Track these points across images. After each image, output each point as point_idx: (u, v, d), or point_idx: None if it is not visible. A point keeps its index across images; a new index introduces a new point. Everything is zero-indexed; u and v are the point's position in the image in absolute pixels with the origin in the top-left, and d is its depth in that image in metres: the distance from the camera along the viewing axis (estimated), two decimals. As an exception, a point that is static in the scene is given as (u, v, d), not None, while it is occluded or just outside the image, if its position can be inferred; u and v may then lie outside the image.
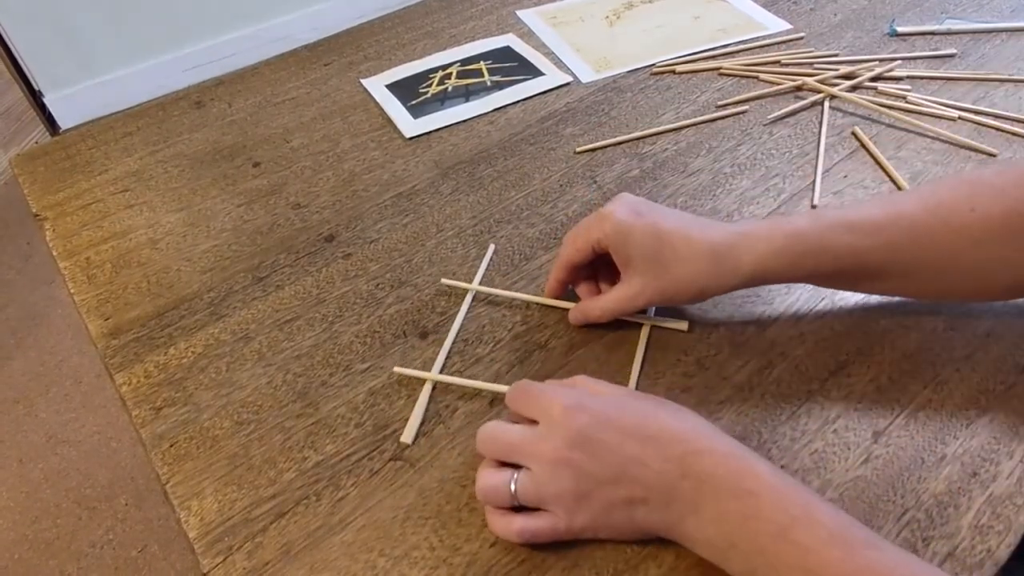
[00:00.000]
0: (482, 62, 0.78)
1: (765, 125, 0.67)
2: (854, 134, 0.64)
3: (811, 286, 0.51)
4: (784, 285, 0.52)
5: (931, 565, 0.35)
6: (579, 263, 0.48)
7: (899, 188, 0.59)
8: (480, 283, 0.54)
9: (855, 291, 0.50)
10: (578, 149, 0.66)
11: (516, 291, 0.53)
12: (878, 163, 0.61)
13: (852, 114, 0.67)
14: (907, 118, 0.64)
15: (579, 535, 0.38)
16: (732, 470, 0.35)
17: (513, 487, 0.38)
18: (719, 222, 0.47)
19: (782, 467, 0.42)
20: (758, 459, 0.36)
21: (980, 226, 0.42)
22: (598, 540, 0.39)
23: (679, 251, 0.44)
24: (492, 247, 0.57)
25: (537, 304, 0.52)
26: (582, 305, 0.49)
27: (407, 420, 0.46)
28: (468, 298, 0.53)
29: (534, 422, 0.39)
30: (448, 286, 0.54)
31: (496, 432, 0.40)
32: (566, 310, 0.51)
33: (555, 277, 0.50)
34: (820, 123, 0.66)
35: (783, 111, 0.67)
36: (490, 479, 0.39)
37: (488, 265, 0.56)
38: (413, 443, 0.45)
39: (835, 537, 0.32)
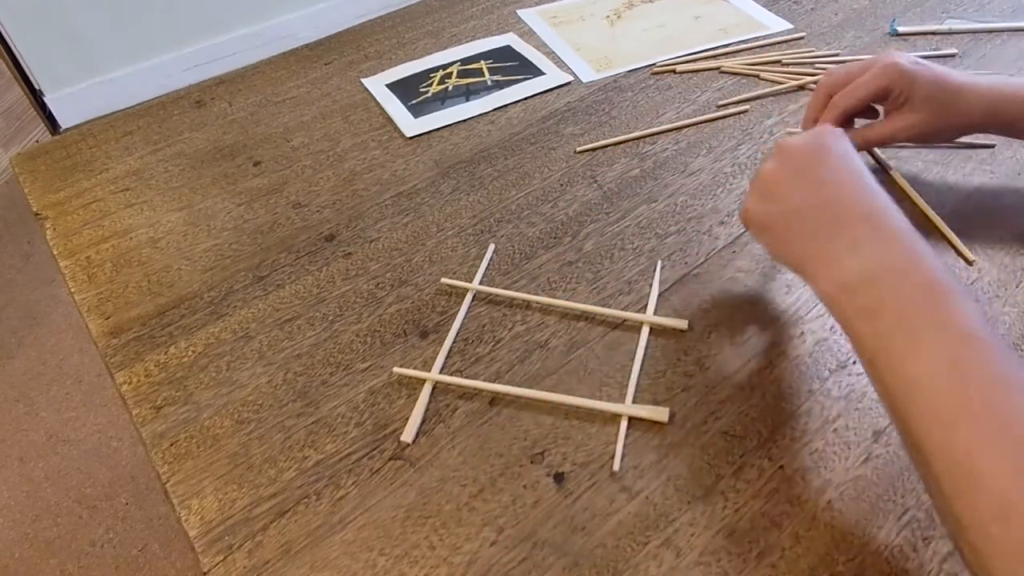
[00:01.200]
0: (483, 61, 0.78)
1: (765, 125, 0.67)
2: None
3: (807, 286, 0.51)
4: (784, 285, 0.52)
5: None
6: (856, 112, 0.53)
7: (901, 188, 0.59)
8: (480, 283, 0.54)
9: None
10: (578, 149, 0.66)
11: (516, 291, 0.53)
12: (879, 164, 0.61)
13: (853, 114, 0.67)
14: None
15: (748, 208, 0.45)
16: (908, 236, 0.38)
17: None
18: (979, 75, 0.53)
19: (781, 468, 0.42)
20: (928, 247, 0.38)
21: None
22: (603, 542, 0.39)
23: (952, 95, 0.51)
24: (492, 247, 0.57)
25: (537, 304, 0.52)
26: (863, 131, 0.53)
27: (407, 419, 0.46)
28: (468, 298, 0.53)
29: None
30: (448, 285, 0.54)
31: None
32: (566, 309, 0.52)
33: (832, 121, 0.52)
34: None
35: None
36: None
37: (488, 264, 0.56)
38: (413, 442, 0.45)
39: (967, 316, 0.34)
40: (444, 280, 0.54)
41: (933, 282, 0.36)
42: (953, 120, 0.51)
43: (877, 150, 0.62)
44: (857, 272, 0.38)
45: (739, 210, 0.59)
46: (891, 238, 0.38)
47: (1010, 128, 0.53)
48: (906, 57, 0.50)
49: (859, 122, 0.54)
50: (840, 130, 0.46)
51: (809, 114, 0.54)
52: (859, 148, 0.51)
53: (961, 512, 0.30)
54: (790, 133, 0.58)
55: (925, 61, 0.51)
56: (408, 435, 0.45)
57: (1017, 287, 0.51)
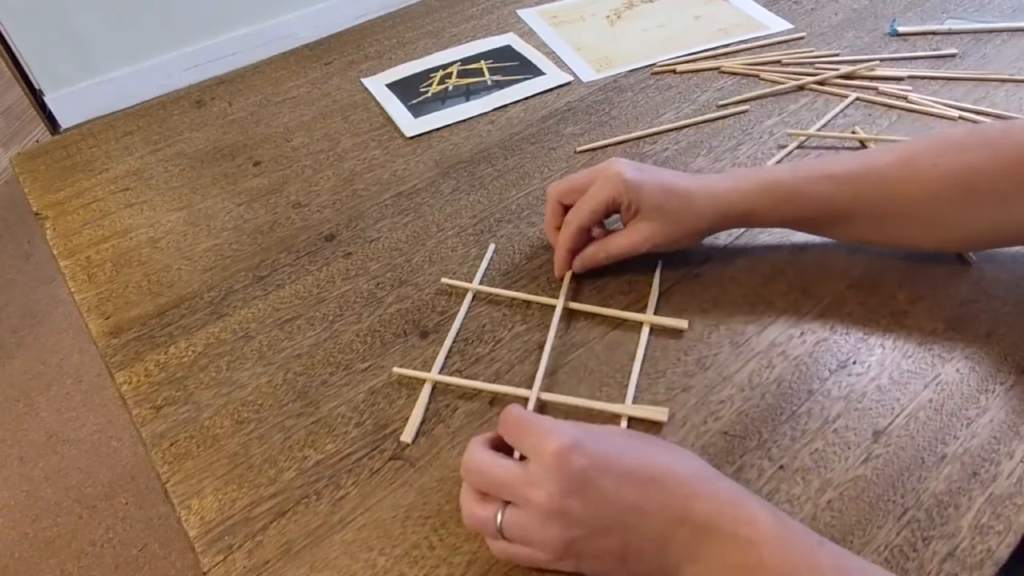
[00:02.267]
0: (483, 61, 0.78)
1: (765, 125, 0.67)
2: (853, 133, 0.64)
3: (807, 286, 0.52)
4: (784, 285, 0.52)
5: None
6: (589, 226, 0.51)
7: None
8: (480, 283, 0.54)
9: (827, 236, 0.53)
10: (579, 148, 0.66)
11: (517, 290, 0.53)
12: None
13: (852, 114, 0.67)
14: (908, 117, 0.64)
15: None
16: (732, 517, 0.34)
17: (499, 521, 0.36)
18: (708, 174, 0.52)
19: (781, 468, 0.42)
20: (760, 504, 0.35)
21: (940, 182, 0.46)
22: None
23: (683, 200, 0.49)
24: (492, 246, 0.57)
25: (537, 304, 0.52)
26: (587, 252, 0.52)
27: (407, 419, 0.46)
28: (468, 297, 0.53)
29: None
30: (448, 285, 0.54)
31: (483, 464, 0.37)
32: (566, 310, 0.52)
33: (567, 248, 0.51)
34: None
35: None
36: (476, 511, 0.37)
37: (488, 264, 0.56)
38: (413, 442, 0.45)
39: None
40: (444, 280, 0.54)
41: (785, 571, 0.32)
42: (689, 226, 0.50)
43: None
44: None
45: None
46: (716, 531, 0.34)
47: (756, 222, 0.51)
48: (630, 166, 0.49)
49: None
50: (566, 432, 0.35)
51: (548, 223, 0.54)
52: (603, 262, 0.52)
53: None
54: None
55: (650, 168, 0.50)
56: (408, 435, 0.45)
57: (1017, 287, 0.51)
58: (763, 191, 0.49)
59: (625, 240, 0.51)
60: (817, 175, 0.48)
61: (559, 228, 0.52)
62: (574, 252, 0.52)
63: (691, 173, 0.52)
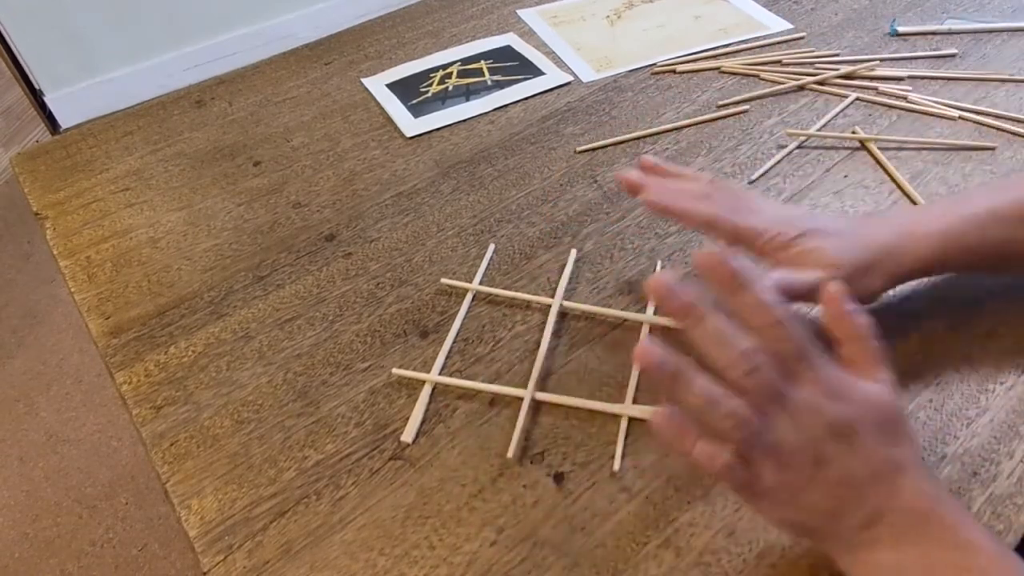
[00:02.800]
0: (483, 61, 0.78)
1: (765, 125, 0.67)
2: (853, 133, 0.64)
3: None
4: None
5: None
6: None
7: (900, 188, 0.59)
8: (480, 283, 0.54)
9: (1005, 274, 0.50)
10: (579, 148, 0.66)
11: (517, 291, 0.53)
12: (879, 164, 0.61)
13: (852, 114, 0.67)
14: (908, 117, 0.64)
15: (757, 500, 0.34)
16: (957, 526, 0.32)
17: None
18: (884, 220, 0.47)
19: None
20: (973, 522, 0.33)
21: None
22: (603, 542, 0.39)
23: (876, 265, 0.43)
24: (492, 246, 0.57)
25: (537, 304, 0.52)
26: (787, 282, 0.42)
27: (407, 419, 0.46)
28: (468, 298, 0.53)
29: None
30: (448, 286, 0.54)
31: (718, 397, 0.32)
32: (566, 309, 0.52)
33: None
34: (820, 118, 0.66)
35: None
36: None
37: (488, 264, 0.56)
38: (413, 442, 0.45)
39: None
40: (444, 280, 0.54)
41: None
42: (877, 287, 0.44)
43: (878, 152, 0.62)
44: (890, 570, 0.32)
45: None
46: (942, 539, 0.32)
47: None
48: (828, 234, 0.43)
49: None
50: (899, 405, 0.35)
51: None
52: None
53: None
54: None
55: (831, 222, 0.45)
56: (408, 435, 0.45)
57: (1017, 287, 0.51)
58: (940, 242, 0.44)
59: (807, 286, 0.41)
60: (983, 217, 0.44)
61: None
62: None
63: (866, 218, 0.48)
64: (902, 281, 0.46)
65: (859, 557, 0.33)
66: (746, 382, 0.31)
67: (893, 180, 0.59)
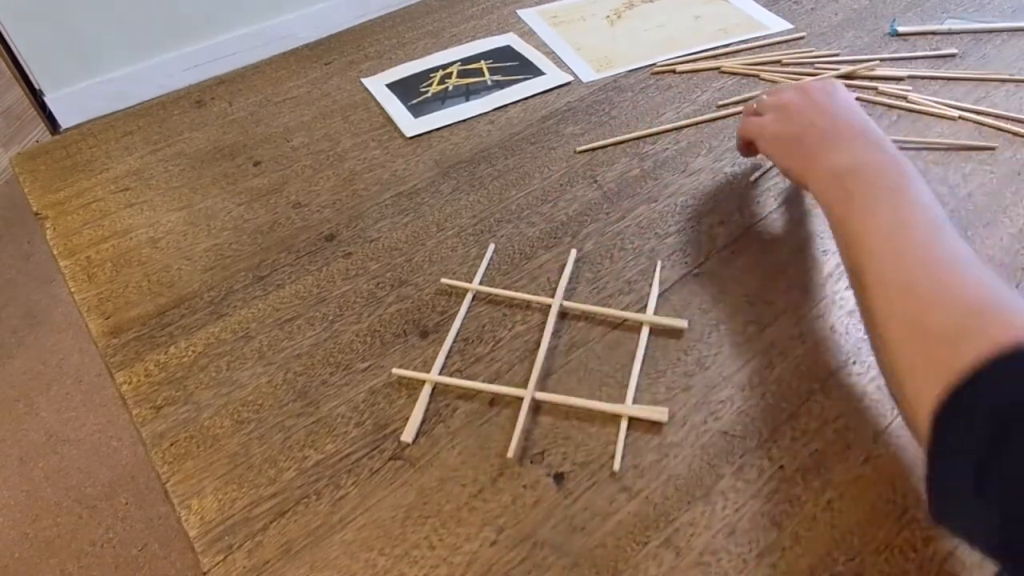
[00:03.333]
0: (483, 61, 0.78)
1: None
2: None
3: (807, 286, 0.52)
4: (784, 285, 0.52)
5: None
6: None
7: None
8: (480, 283, 0.54)
9: None
10: (579, 148, 0.66)
11: (516, 290, 0.53)
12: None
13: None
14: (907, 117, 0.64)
15: (763, 128, 0.53)
16: (897, 168, 0.44)
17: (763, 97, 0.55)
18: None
19: (781, 468, 0.42)
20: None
21: None
22: (603, 542, 0.39)
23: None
24: (492, 246, 0.57)
25: (537, 304, 0.52)
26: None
27: (407, 419, 0.46)
28: (468, 297, 0.53)
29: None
30: (448, 286, 0.54)
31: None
32: (566, 309, 0.52)
33: None
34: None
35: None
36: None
37: (488, 264, 0.56)
38: (413, 442, 0.45)
39: (937, 227, 0.40)
40: (444, 280, 0.54)
41: (903, 175, 0.43)
42: None
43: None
44: (845, 164, 0.45)
45: (739, 209, 0.59)
46: (882, 148, 0.45)
47: None
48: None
49: None
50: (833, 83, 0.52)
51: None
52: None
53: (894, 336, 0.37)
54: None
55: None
56: (408, 435, 0.45)
57: (1017, 287, 0.51)
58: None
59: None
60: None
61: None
62: None
63: None
64: None
65: (825, 168, 0.46)
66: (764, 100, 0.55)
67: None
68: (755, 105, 0.56)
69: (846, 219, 0.43)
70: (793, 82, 0.52)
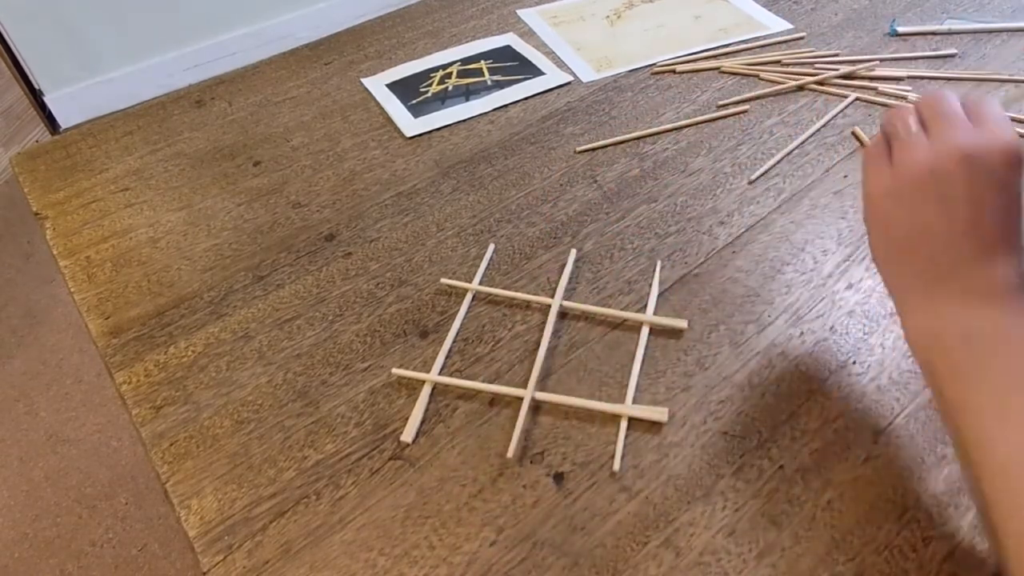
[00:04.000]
0: (483, 61, 0.78)
1: (765, 125, 0.67)
2: (854, 134, 0.64)
3: (807, 286, 0.52)
4: (784, 284, 0.52)
5: None
6: None
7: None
8: (480, 283, 0.54)
9: None
10: (578, 148, 0.66)
11: (516, 291, 0.53)
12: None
13: (851, 114, 0.67)
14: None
15: (871, 192, 0.38)
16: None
17: (914, 128, 0.37)
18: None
19: (781, 468, 0.42)
20: None
21: None
22: (603, 542, 0.39)
23: None
24: (492, 246, 0.57)
25: (537, 304, 0.52)
26: None
27: (407, 419, 0.46)
28: (468, 297, 0.53)
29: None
30: (448, 286, 0.54)
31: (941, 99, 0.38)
32: (566, 309, 0.52)
33: None
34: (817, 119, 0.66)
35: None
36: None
37: (488, 264, 0.55)
38: (413, 442, 0.45)
39: None
40: (444, 280, 0.54)
41: None
42: None
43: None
44: (957, 327, 0.33)
45: (739, 210, 0.58)
46: (1009, 298, 0.33)
47: None
48: None
49: None
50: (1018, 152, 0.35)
51: None
52: None
53: None
54: None
55: None
56: (408, 435, 0.45)
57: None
58: None
59: None
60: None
61: None
62: None
63: None
64: None
65: (927, 319, 0.35)
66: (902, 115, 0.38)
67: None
68: (897, 124, 0.38)
69: (964, 422, 0.33)
70: (957, 112, 0.37)
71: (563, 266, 0.55)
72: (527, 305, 0.53)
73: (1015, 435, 0.31)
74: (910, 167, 0.36)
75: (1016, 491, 0.30)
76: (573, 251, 0.56)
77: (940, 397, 0.35)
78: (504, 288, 0.53)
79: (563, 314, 0.52)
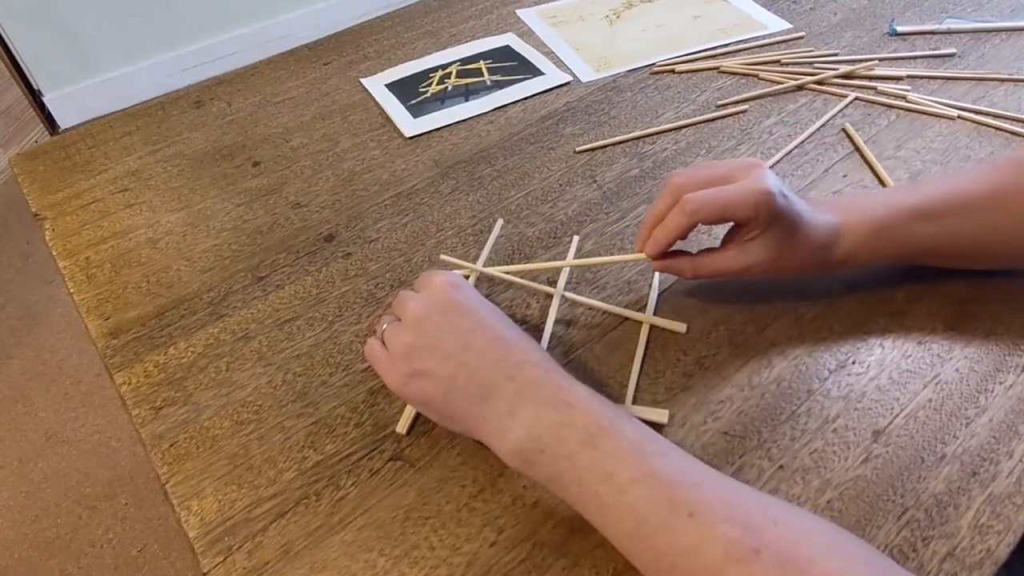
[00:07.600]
0: (482, 61, 0.78)
1: (764, 125, 0.67)
2: (844, 131, 0.64)
3: (808, 285, 0.52)
4: (783, 284, 0.52)
5: (712, 469, 0.37)
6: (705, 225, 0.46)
7: (885, 187, 0.59)
8: (484, 265, 0.54)
9: (940, 266, 0.50)
10: (578, 148, 0.66)
11: (516, 289, 0.53)
12: (866, 161, 0.61)
13: (851, 113, 0.67)
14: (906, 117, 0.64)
15: (394, 388, 0.42)
16: (555, 384, 0.39)
17: (383, 326, 0.44)
18: (820, 208, 0.47)
19: (781, 468, 0.42)
20: (578, 383, 0.39)
21: None
22: (603, 542, 0.39)
23: (801, 240, 0.45)
24: (500, 221, 0.57)
25: (537, 304, 0.52)
26: (698, 261, 0.47)
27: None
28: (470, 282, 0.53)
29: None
30: (447, 263, 0.54)
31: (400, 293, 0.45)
32: (567, 301, 0.52)
33: (668, 242, 0.45)
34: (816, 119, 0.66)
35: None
36: (378, 324, 0.45)
37: (495, 243, 0.55)
38: (408, 434, 0.45)
39: (633, 446, 0.36)
40: (443, 257, 0.54)
41: (591, 429, 0.37)
42: (799, 260, 0.46)
43: (874, 160, 0.62)
44: (525, 441, 0.37)
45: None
46: (539, 392, 0.38)
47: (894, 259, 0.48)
48: (777, 185, 0.43)
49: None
50: (458, 278, 0.44)
51: (654, 217, 0.46)
52: (688, 277, 0.48)
53: None
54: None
55: (789, 192, 0.44)
56: (402, 426, 0.45)
57: (1017, 287, 0.51)
58: (865, 241, 0.46)
59: (729, 263, 0.46)
60: (907, 214, 0.46)
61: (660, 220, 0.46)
62: (668, 247, 0.46)
63: (810, 202, 0.47)
64: (837, 264, 0.47)
65: (504, 446, 0.38)
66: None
67: (879, 178, 0.59)
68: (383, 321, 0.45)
69: (586, 514, 0.37)
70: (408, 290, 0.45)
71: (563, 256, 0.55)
72: (527, 305, 0.53)
73: (610, 517, 0.36)
74: (399, 346, 0.42)
75: (641, 552, 0.35)
76: (576, 237, 0.56)
77: (565, 500, 0.38)
78: (504, 287, 0.53)
79: (563, 316, 0.52)
